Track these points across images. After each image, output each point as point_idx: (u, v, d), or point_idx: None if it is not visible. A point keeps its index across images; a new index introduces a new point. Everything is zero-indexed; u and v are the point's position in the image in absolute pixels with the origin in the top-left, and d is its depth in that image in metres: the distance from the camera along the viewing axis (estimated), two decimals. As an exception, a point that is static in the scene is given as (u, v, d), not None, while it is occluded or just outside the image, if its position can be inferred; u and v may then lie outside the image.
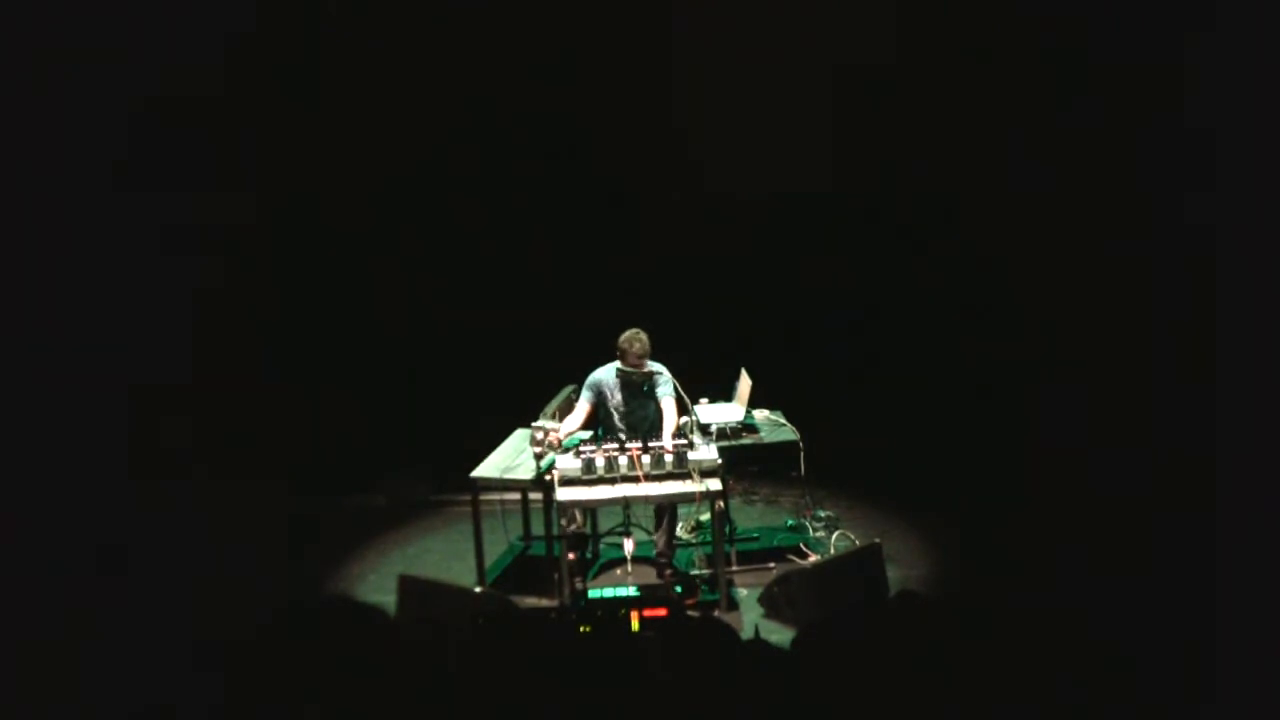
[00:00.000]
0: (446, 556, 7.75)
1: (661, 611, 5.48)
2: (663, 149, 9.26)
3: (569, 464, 6.68)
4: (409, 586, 6.26)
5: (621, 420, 7.19)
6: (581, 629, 4.48)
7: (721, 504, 6.76)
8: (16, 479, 6.74)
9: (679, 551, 7.50)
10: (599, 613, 4.62)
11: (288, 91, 8.84)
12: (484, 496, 7.12)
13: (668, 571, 7.23)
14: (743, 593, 6.95)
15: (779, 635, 5.75)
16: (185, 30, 7.99)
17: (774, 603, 6.60)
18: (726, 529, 7.17)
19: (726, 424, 7.53)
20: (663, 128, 9.21)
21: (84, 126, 7.45)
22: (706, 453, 6.75)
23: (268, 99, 8.73)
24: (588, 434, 7.22)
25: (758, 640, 4.49)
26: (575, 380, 7.43)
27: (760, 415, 7.85)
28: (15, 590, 5.99)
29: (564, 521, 6.73)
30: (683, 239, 9.40)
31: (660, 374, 7.18)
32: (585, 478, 6.66)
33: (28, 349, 7.14)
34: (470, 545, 7.10)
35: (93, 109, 7.48)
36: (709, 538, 7.24)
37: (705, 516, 7.38)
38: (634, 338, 7.05)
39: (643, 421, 7.19)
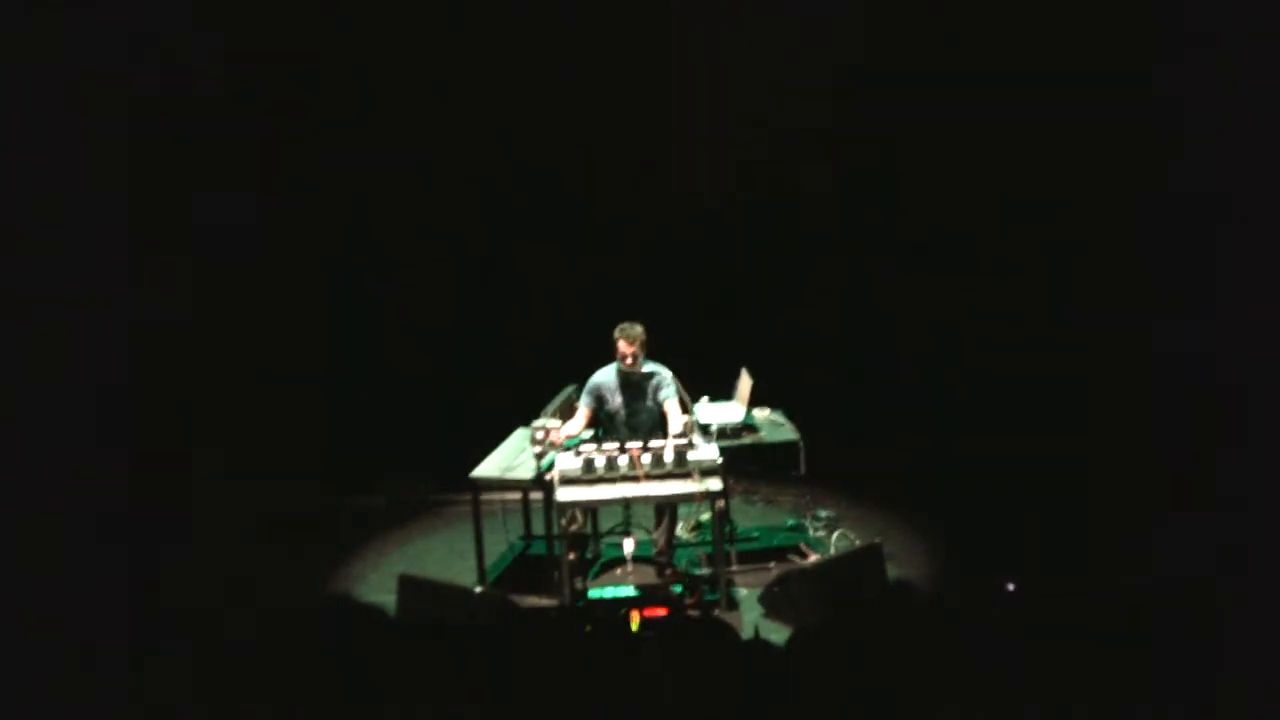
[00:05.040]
0: (447, 556, 7.75)
1: (661, 611, 5.49)
2: (663, 148, 9.27)
3: (569, 463, 6.68)
4: (409, 586, 6.26)
5: (623, 423, 7.19)
6: (585, 627, 4.48)
7: (722, 504, 6.75)
8: (17, 477, 6.76)
9: (679, 551, 7.51)
10: (599, 612, 4.63)
11: (289, 92, 8.85)
12: (484, 496, 7.12)
13: (668, 571, 7.23)
14: (743, 593, 6.94)
15: (779, 635, 5.74)
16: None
17: (774, 603, 6.59)
18: (726, 529, 7.17)
19: (727, 424, 7.54)
20: (663, 127, 9.22)
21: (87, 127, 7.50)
22: (707, 452, 6.75)
23: (268, 100, 8.75)
24: (588, 434, 7.22)
25: (758, 640, 4.49)
26: (575, 380, 7.43)
27: (760, 415, 7.85)
28: (14, 590, 6.01)
29: (564, 521, 6.73)
30: (683, 238, 9.41)
31: (661, 375, 7.18)
32: (586, 477, 6.66)
33: (28, 347, 7.17)
34: (470, 545, 7.10)
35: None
36: (709, 537, 7.24)
37: (705, 516, 7.38)
38: (627, 326, 7.07)
39: (644, 423, 7.19)
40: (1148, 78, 7.85)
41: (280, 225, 8.96)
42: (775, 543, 7.65)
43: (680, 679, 3.99)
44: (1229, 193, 7.27)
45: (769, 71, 8.94)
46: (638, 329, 7.08)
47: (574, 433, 7.14)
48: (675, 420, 7.05)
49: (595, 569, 7.45)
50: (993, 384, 8.56)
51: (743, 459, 7.85)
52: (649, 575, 7.18)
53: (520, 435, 7.46)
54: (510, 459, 7.23)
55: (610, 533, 7.67)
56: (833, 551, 7.44)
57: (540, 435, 6.83)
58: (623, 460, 6.65)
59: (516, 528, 7.79)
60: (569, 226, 9.54)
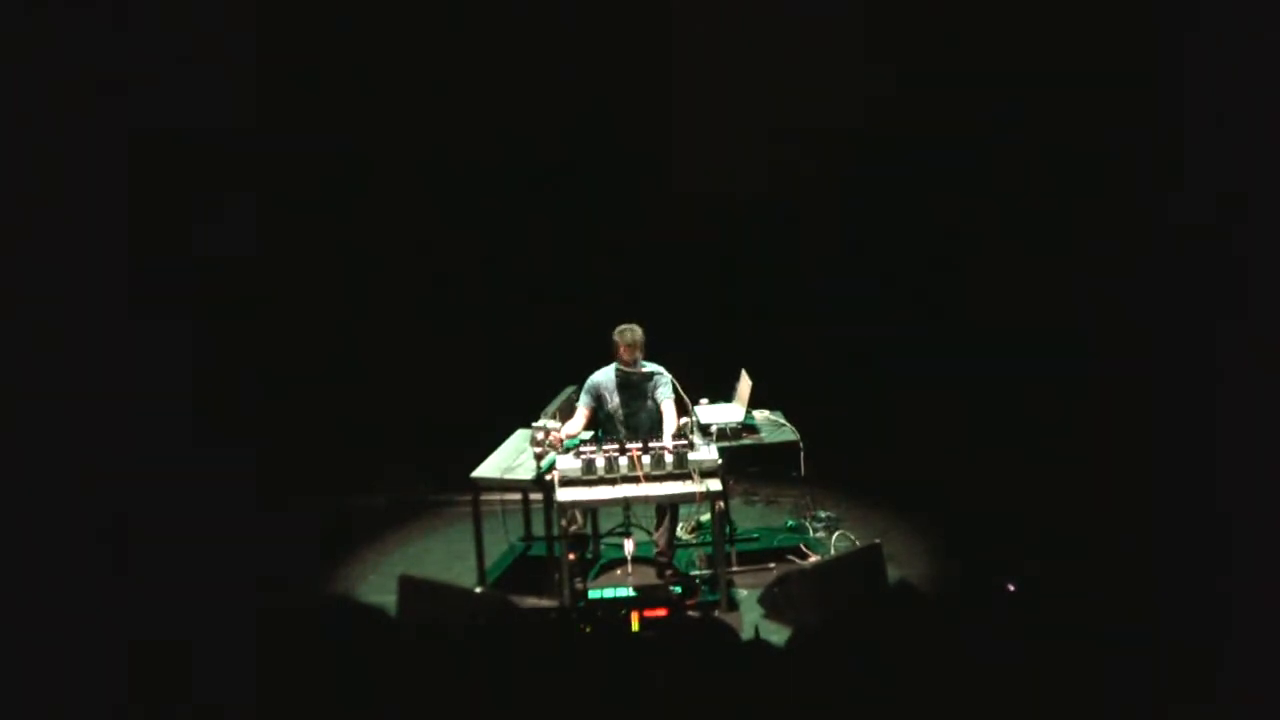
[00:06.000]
0: (447, 556, 7.75)
1: (661, 611, 5.48)
2: (664, 148, 9.28)
3: (569, 464, 6.68)
4: (409, 586, 6.25)
5: (622, 422, 7.19)
6: (585, 629, 4.48)
7: (722, 504, 6.75)
8: (19, 478, 6.77)
9: (679, 551, 7.51)
10: (599, 613, 4.62)
11: (288, 85, 8.86)
12: (484, 497, 7.12)
13: (668, 572, 7.23)
14: (743, 593, 6.94)
15: (779, 635, 5.75)
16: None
17: (774, 603, 6.59)
18: (727, 529, 7.17)
19: (727, 424, 7.54)
20: (663, 127, 9.23)
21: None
22: (707, 453, 6.75)
23: (266, 93, 8.76)
24: (588, 434, 7.23)
25: (758, 640, 4.49)
26: (575, 380, 7.43)
27: (760, 415, 7.85)
28: (14, 589, 6.01)
29: (564, 522, 6.73)
30: (684, 239, 9.41)
31: (660, 375, 7.18)
32: (586, 478, 6.66)
33: (31, 350, 7.17)
34: (470, 545, 7.11)
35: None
36: (709, 538, 7.24)
37: (705, 517, 7.38)
38: (627, 328, 7.07)
39: (644, 423, 7.19)
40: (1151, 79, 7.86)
41: (280, 225, 8.96)
42: (775, 543, 7.65)
43: (680, 679, 3.99)
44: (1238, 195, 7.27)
45: (769, 71, 8.95)
46: (637, 331, 7.08)
47: (574, 432, 7.14)
48: (670, 420, 7.06)
49: (595, 570, 7.45)
50: (992, 383, 8.57)
51: (743, 460, 7.86)
52: (649, 576, 7.19)
53: (520, 436, 7.46)
54: (510, 459, 7.23)
55: (610, 533, 7.67)
56: (833, 552, 7.44)
57: (540, 436, 6.83)
58: (623, 461, 6.65)
59: (516, 528, 7.79)
60: (569, 226, 9.53)
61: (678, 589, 6.92)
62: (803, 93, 8.97)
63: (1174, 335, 7.53)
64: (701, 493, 6.61)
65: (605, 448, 6.71)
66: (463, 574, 7.22)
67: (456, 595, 6.22)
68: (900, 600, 5.28)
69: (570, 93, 9.21)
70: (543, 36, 9.09)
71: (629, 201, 9.41)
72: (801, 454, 7.42)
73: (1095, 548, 6.64)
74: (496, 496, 7.45)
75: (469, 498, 7.10)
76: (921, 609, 4.83)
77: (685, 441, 6.75)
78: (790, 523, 8.00)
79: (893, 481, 8.40)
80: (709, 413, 7.66)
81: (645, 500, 6.81)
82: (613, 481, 6.67)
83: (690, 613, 6.53)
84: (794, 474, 7.51)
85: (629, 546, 6.92)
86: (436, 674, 4.12)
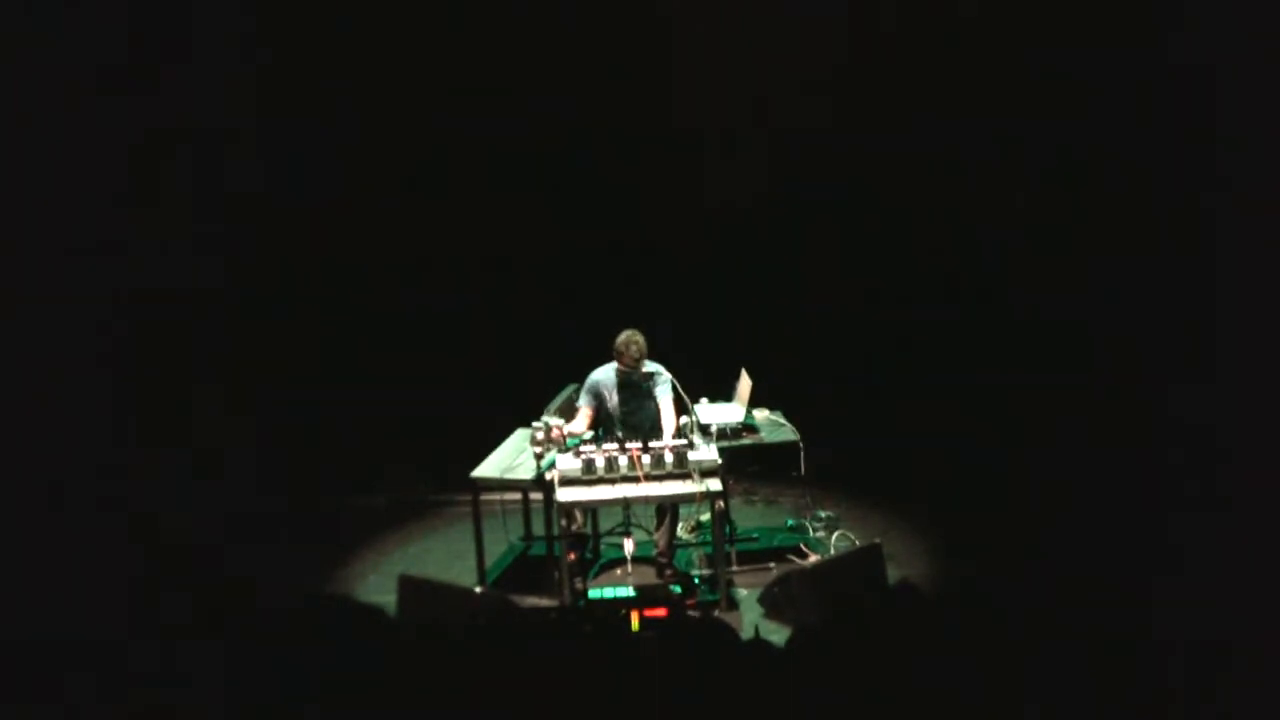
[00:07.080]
0: (447, 556, 7.75)
1: (661, 611, 5.49)
2: (664, 148, 9.27)
3: (569, 464, 6.68)
4: (409, 586, 6.26)
5: (621, 421, 7.20)
6: (585, 629, 4.49)
7: (722, 504, 6.76)
8: (17, 477, 6.77)
9: (679, 551, 7.51)
10: (599, 613, 4.63)
11: (283, 83, 8.85)
12: (484, 496, 7.12)
13: (668, 571, 7.23)
14: (743, 593, 6.94)
15: (779, 635, 5.75)
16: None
17: (774, 603, 6.60)
18: (727, 529, 7.17)
19: (727, 424, 7.53)
20: (664, 127, 9.22)
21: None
22: (707, 453, 6.75)
23: (265, 93, 8.75)
24: (589, 434, 7.23)
25: (758, 640, 4.49)
26: (575, 380, 7.43)
27: (760, 415, 7.85)
28: (13, 590, 6.01)
29: (564, 522, 6.73)
30: (683, 238, 9.40)
31: (660, 374, 7.18)
32: (586, 478, 6.66)
33: (28, 347, 7.17)
34: (470, 545, 7.11)
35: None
36: (709, 538, 7.24)
37: (705, 517, 7.38)
38: (630, 339, 7.05)
39: (643, 422, 7.19)
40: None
41: (279, 224, 8.96)
42: (775, 543, 7.65)
43: (680, 679, 3.99)
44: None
45: (769, 69, 8.94)
46: (641, 343, 7.04)
47: (577, 431, 7.14)
48: (668, 419, 7.05)
49: (595, 569, 7.45)
50: (992, 383, 8.56)
51: (743, 459, 7.86)
52: (649, 576, 7.19)
53: (520, 435, 7.46)
54: (510, 459, 7.23)
55: (610, 533, 7.67)
56: (833, 552, 7.44)
57: (541, 435, 6.83)
58: (623, 461, 6.65)
59: (516, 528, 7.79)
60: (569, 225, 9.52)
61: (678, 589, 6.92)
62: (802, 92, 8.96)
63: (1175, 334, 7.52)
64: (701, 493, 6.61)
65: (605, 447, 6.71)
66: (463, 574, 7.22)
67: (456, 595, 6.23)
68: (900, 600, 5.28)
69: (570, 92, 9.20)
70: (543, 36, 9.08)
71: (630, 200, 9.40)
72: (801, 454, 7.42)
73: (1095, 547, 6.63)
74: (496, 496, 7.44)
75: (469, 498, 7.10)
76: (921, 609, 4.83)
77: (685, 441, 6.75)
78: (790, 523, 8.00)
79: (893, 481, 8.40)
80: (709, 412, 7.66)
81: (645, 500, 6.81)
82: (613, 481, 6.67)
83: (690, 613, 6.54)
84: (794, 474, 7.51)
85: (629, 546, 6.91)
86: (436, 674, 4.12)
